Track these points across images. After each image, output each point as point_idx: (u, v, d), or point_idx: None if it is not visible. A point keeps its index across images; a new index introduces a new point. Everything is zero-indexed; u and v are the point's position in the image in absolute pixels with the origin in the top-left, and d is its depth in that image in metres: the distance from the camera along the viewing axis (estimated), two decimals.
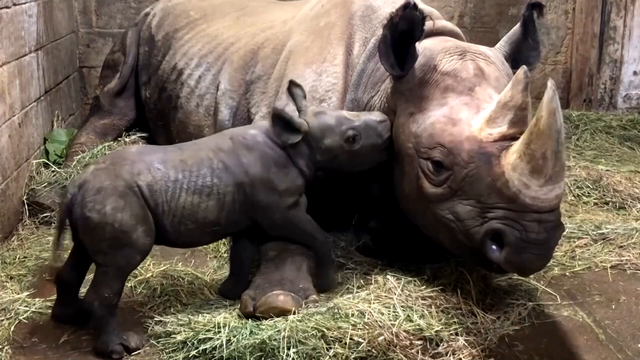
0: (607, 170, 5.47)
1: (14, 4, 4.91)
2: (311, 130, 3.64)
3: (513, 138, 3.26)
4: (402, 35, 3.59)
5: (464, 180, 3.36)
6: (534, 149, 3.13)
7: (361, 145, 3.67)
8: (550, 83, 3.10)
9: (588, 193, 5.16)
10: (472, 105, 3.48)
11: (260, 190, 3.55)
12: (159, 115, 5.58)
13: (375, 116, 3.75)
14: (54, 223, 4.72)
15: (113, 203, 3.23)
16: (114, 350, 3.28)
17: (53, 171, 5.19)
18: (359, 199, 4.22)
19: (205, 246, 4.38)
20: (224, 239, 4.36)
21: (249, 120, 4.64)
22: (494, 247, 3.29)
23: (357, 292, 3.61)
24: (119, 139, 5.79)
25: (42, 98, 5.52)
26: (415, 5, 3.55)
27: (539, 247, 3.24)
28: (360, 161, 3.74)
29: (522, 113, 3.28)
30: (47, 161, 5.36)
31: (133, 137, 5.81)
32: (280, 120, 3.58)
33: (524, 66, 3.31)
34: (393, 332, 3.24)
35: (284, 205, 3.61)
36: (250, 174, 3.54)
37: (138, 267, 4.03)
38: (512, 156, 3.21)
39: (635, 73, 7.00)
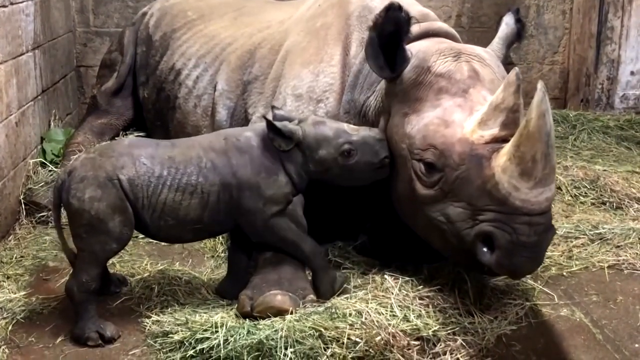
0: (604, 170, 5.46)
1: (11, 3, 4.90)
2: (306, 139, 3.59)
3: (504, 140, 3.24)
4: (389, 37, 3.58)
5: (455, 182, 3.35)
6: (524, 152, 3.11)
7: (356, 161, 3.61)
8: (540, 85, 3.08)
9: (585, 193, 5.16)
10: (465, 107, 3.46)
11: (246, 194, 3.53)
12: (157, 116, 5.58)
13: (375, 133, 3.67)
14: (51, 223, 4.74)
15: (92, 192, 3.35)
16: (89, 337, 3.38)
17: (50, 171, 5.19)
18: (360, 206, 4.18)
19: (202, 246, 4.38)
20: (222, 239, 4.37)
21: (246, 120, 4.63)
22: (484, 249, 3.28)
23: (354, 292, 3.60)
24: (116, 138, 5.78)
25: (39, 97, 5.51)
26: (399, 7, 3.54)
27: (530, 250, 3.22)
28: (354, 177, 3.67)
29: (514, 115, 3.26)
30: (44, 160, 5.35)
31: (130, 136, 5.81)
32: (272, 128, 3.55)
33: (516, 68, 3.30)
34: (390, 332, 3.23)
35: (267, 212, 3.56)
36: (238, 176, 3.52)
37: (135, 267, 4.07)
38: (502, 158, 3.19)
39: (632, 73, 7.00)
